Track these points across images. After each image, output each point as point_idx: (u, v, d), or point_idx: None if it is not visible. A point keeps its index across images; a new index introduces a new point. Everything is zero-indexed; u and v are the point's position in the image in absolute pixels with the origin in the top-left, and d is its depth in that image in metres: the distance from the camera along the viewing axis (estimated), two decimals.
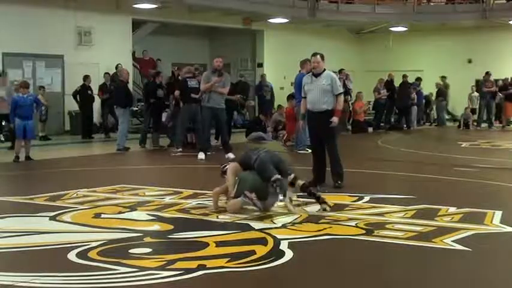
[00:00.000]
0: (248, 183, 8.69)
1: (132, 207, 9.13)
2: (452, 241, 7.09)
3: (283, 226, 7.89)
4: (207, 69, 22.14)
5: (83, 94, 20.90)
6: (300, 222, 8.11)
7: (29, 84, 16.36)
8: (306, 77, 11.38)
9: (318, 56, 10.92)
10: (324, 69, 10.98)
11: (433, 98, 29.16)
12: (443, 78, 28.34)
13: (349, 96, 24.97)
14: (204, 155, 15.32)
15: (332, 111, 10.81)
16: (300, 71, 17.38)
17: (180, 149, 16.59)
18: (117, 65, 21.38)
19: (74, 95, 20.97)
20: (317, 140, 11.17)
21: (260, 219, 8.22)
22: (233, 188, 8.78)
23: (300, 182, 8.88)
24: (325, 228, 7.73)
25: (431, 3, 30.06)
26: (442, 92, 28.03)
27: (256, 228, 7.77)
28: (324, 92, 10.81)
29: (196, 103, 16.56)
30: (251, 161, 8.90)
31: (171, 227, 7.88)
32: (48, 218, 8.44)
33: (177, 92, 17.26)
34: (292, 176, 8.88)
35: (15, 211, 8.93)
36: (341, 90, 11.02)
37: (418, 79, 27.94)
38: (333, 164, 10.91)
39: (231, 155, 15.19)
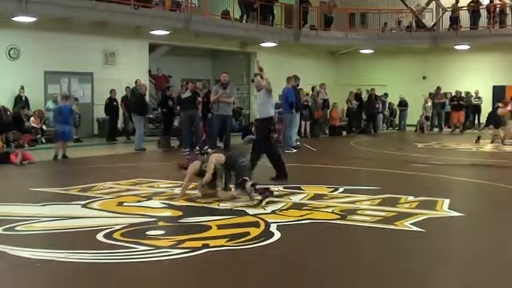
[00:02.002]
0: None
1: (149, 197, 9.11)
2: (410, 224, 7.11)
3: (273, 212, 7.89)
4: (210, 83, 22.24)
5: (110, 104, 20.95)
6: (287, 209, 8.11)
7: (68, 96, 16.52)
8: (255, 93, 11.34)
9: (258, 77, 10.96)
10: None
11: (395, 107, 29.24)
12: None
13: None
14: None
15: (268, 119, 10.84)
16: (286, 85, 17.40)
17: (188, 149, 16.61)
18: (136, 80, 21.33)
19: (105, 107, 21.05)
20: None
21: (254, 206, 8.21)
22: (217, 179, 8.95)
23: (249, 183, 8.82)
24: (307, 214, 7.73)
25: (393, 31, 30.15)
26: (405, 102, 28.14)
27: (250, 213, 7.77)
28: (263, 103, 10.87)
29: (192, 109, 16.74)
30: (237, 161, 8.97)
31: (181, 213, 7.88)
32: (80, 205, 8.43)
33: (178, 107, 17.55)
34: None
35: (54, 200, 8.91)
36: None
37: (386, 94, 28.09)
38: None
39: None
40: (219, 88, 15.99)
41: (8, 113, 18.23)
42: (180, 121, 18.24)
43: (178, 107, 17.81)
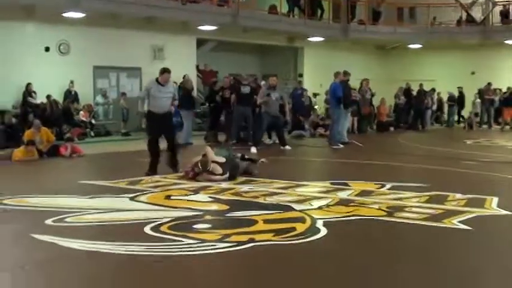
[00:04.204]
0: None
1: (196, 191, 9.18)
2: (458, 222, 7.01)
3: (319, 208, 7.87)
4: (257, 78, 22.22)
5: None
6: (333, 205, 8.08)
7: None
8: (155, 86, 11.34)
9: (166, 73, 11.19)
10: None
11: (445, 101, 28.76)
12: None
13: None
14: (255, 149, 15.28)
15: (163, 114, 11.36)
16: (334, 80, 17.31)
17: (234, 141, 16.67)
18: (184, 75, 21.45)
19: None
20: (157, 137, 11.56)
21: (300, 202, 8.21)
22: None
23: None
24: (353, 210, 7.69)
25: (443, 25, 29.72)
26: (453, 98, 27.73)
27: (296, 209, 7.76)
28: (168, 98, 11.27)
29: (248, 106, 16.73)
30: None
31: (227, 207, 7.92)
32: (128, 198, 8.55)
33: (233, 97, 17.44)
34: None
35: (102, 192, 9.05)
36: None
37: (433, 89, 27.65)
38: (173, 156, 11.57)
39: (287, 147, 15.83)
40: (267, 91, 16.11)
41: (59, 106, 18.61)
42: (233, 115, 18.20)
43: (233, 97, 17.53)
